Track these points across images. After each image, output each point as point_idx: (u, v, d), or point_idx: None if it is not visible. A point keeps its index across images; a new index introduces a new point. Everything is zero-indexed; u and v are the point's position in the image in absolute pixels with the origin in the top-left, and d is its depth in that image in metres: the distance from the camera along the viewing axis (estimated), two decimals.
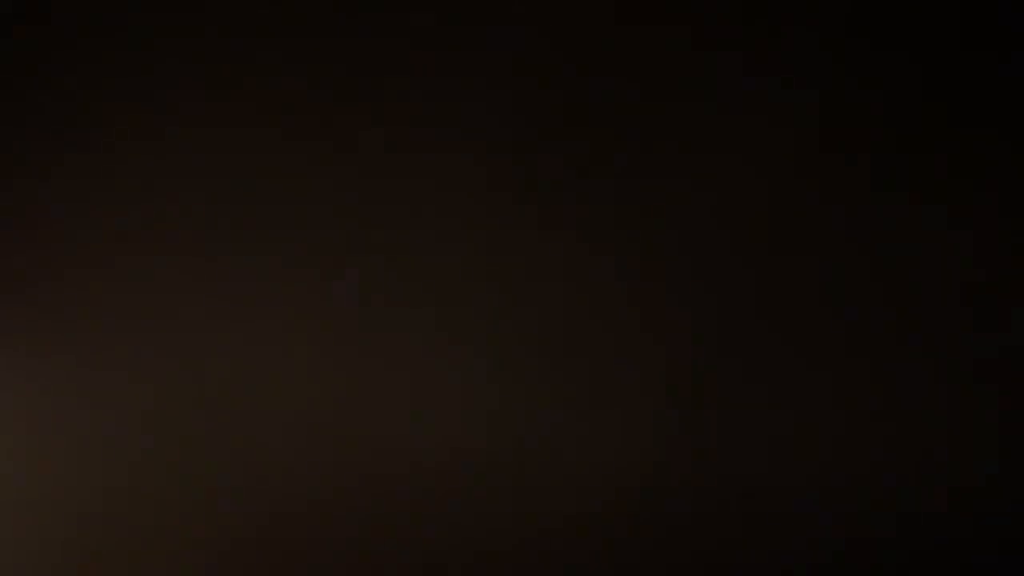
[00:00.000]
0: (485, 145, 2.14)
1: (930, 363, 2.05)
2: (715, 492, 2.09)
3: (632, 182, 2.11)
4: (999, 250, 2.04)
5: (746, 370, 2.08)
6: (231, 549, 2.18)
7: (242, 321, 2.18)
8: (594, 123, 2.11)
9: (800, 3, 2.08)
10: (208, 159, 2.19)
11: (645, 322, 2.11)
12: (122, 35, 2.20)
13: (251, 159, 2.18)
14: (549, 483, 2.13)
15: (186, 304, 2.19)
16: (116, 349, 2.20)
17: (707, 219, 2.10)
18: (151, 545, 2.19)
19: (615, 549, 2.12)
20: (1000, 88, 2.04)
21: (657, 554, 2.11)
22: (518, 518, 2.13)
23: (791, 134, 2.08)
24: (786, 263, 2.08)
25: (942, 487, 2.05)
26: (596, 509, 2.12)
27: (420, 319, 2.15)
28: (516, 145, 2.13)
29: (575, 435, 2.12)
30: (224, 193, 2.19)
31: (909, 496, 2.06)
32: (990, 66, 2.04)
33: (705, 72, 2.09)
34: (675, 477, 2.10)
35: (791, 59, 2.08)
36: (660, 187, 2.10)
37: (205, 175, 2.19)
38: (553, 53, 2.12)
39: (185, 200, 2.19)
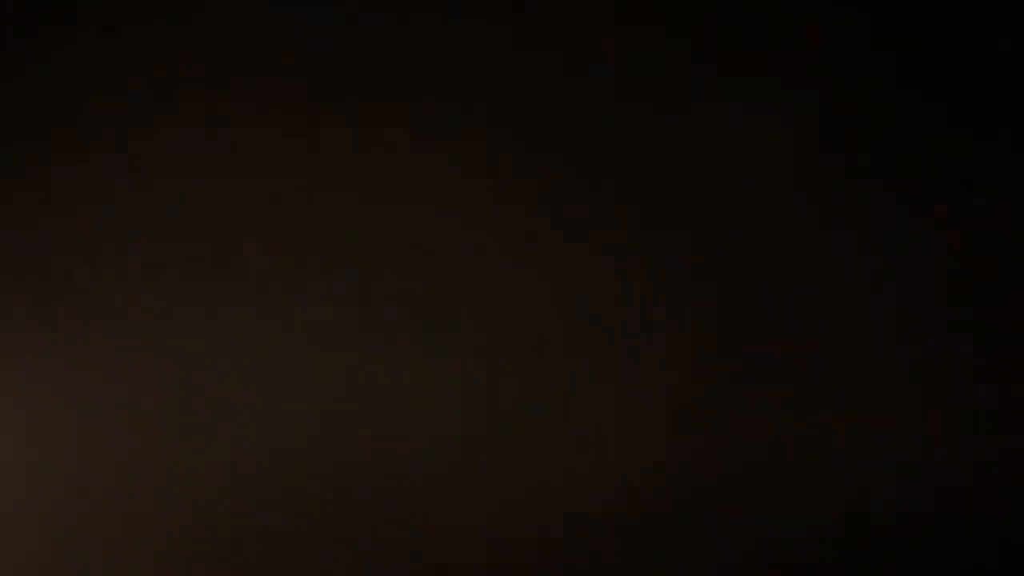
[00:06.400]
0: (485, 145, 2.14)
1: (930, 363, 2.05)
2: (715, 492, 2.10)
3: (632, 182, 2.11)
4: (999, 250, 2.04)
5: (746, 370, 2.08)
6: (231, 549, 2.18)
7: (242, 320, 2.18)
8: (594, 123, 2.12)
9: (800, 3, 2.08)
10: (208, 159, 2.19)
11: (645, 323, 2.11)
12: (122, 33, 2.21)
13: (251, 159, 2.18)
14: (549, 483, 2.13)
15: (186, 304, 2.19)
16: (116, 349, 2.20)
17: (707, 219, 2.10)
18: (151, 545, 2.19)
19: (614, 549, 2.12)
20: (1000, 88, 2.05)
21: (657, 554, 2.11)
22: (517, 518, 2.13)
23: (791, 134, 2.08)
24: (786, 263, 2.08)
25: (941, 487, 2.05)
26: (595, 509, 2.12)
27: (420, 319, 2.15)
28: (516, 145, 2.13)
29: (575, 435, 2.12)
30: (224, 193, 2.19)
31: (908, 496, 2.06)
32: (990, 66, 2.05)
33: (705, 72, 2.10)
34: (675, 477, 2.10)
35: (791, 59, 2.08)
36: (660, 187, 2.10)
37: (205, 175, 2.19)
38: (553, 53, 2.13)
39: (185, 200, 2.19)
